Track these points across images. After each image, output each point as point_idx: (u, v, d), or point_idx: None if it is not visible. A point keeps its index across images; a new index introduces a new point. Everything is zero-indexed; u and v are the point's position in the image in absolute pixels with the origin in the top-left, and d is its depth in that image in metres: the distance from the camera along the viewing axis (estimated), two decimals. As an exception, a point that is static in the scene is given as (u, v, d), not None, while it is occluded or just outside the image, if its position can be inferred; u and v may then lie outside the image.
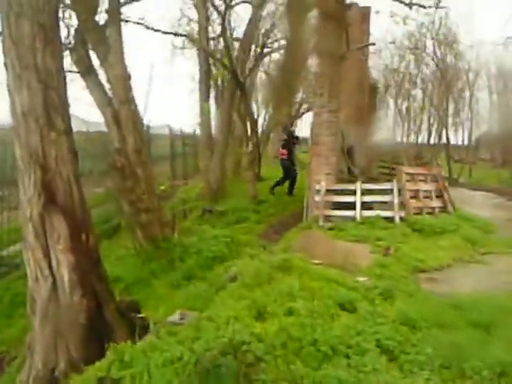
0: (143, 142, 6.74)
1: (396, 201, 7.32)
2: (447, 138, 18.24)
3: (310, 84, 8.26)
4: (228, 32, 10.45)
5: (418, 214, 7.39)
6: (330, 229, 7.27)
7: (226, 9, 9.52)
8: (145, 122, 14.57)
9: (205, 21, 11.29)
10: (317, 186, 7.79)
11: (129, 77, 6.74)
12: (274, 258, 5.09)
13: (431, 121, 25.68)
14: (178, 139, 20.53)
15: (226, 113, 11.79)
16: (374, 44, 9.53)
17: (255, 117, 11.11)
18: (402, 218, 7.20)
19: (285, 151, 11.40)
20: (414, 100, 23.40)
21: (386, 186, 7.65)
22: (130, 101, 6.58)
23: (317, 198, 7.70)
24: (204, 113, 12.90)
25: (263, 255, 5.45)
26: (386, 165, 11.64)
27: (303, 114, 23.22)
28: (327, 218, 7.58)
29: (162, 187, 16.87)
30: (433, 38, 14.48)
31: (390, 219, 7.25)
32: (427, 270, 5.48)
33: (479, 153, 30.98)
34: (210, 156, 12.16)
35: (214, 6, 9.93)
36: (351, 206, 7.56)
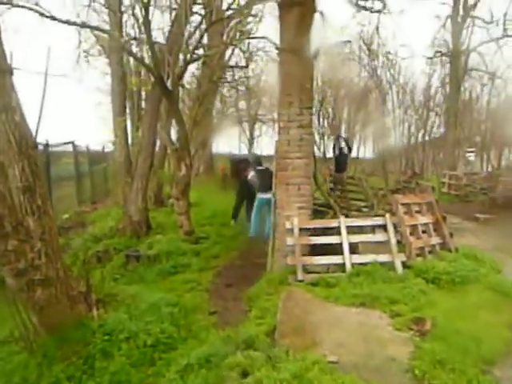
0: (37, 175, 4.10)
1: (393, 240, 5.48)
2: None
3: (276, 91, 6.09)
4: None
5: (419, 255, 5.62)
6: (314, 284, 5.21)
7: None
8: (42, 139, 11.61)
9: (118, 12, 8.77)
10: (287, 225, 5.69)
11: (10, 71, 4.10)
12: (283, 376, 2.87)
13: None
14: (84, 158, 17.61)
15: (150, 128, 9.27)
16: (349, 41, 7.73)
17: (187, 132, 8.66)
18: (404, 264, 5.36)
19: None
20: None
21: (376, 221, 5.79)
22: (10, 109, 3.94)
23: (290, 241, 5.58)
24: (119, 129, 10.23)
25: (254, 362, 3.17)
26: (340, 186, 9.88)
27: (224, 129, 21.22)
28: (305, 267, 5.52)
29: (66, 215, 13.79)
30: (367, 48, 13.37)
31: (388, 265, 5.39)
32: (495, 359, 3.58)
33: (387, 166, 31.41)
34: (129, 182, 9.50)
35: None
36: (333, 249, 5.59)
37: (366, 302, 4.56)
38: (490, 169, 26.99)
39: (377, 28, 11.55)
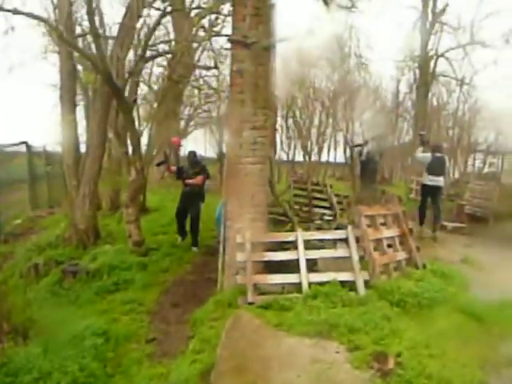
0: None
1: (355, 257, 4.88)
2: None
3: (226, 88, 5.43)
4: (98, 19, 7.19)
5: (383, 273, 5.04)
6: (266, 307, 4.54)
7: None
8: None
9: (67, 4, 7.93)
10: (238, 238, 5.01)
11: None
12: None
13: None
14: (41, 159, 16.56)
15: (99, 128, 8.45)
16: (313, 32, 7.03)
17: (138, 134, 7.90)
18: (367, 284, 4.76)
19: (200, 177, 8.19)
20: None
21: (337, 234, 5.18)
22: None
23: (240, 257, 4.91)
24: (67, 128, 9.33)
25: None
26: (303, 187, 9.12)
27: (191, 131, 20.41)
28: (258, 287, 4.85)
29: (18, 220, 12.80)
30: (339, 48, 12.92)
31: (350, 284, 4.78)
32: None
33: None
34: (76, 186, 8.64)
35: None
36: (290, 266, 4.95)
37: (323, 330, 3.93)
38: (456, 175, 27.10)
39: (349, 29, 11.11)
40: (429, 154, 8.68)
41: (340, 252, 5.02)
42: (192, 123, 19.68)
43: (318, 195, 8.72)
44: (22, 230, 11.95)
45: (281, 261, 4.96)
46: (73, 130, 9.44)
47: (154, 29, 7.97)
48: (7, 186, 12.46)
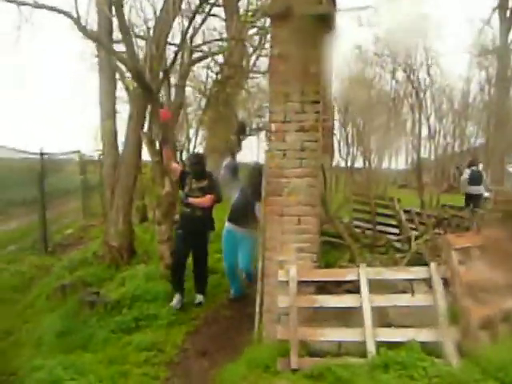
0: None
1: (442, 306, 3.40)
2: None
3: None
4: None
5: (484, 327, 3.50)
6: (316, 377, 3.20)
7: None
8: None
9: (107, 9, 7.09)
10: (281, 276, 3.72)
11: None
12: None
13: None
14: (96, 167, 16.49)
15: (134, 134, 7.53)
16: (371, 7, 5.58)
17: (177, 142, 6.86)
18: (460, 348, 3.27)
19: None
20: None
21: (413, 273, 3.72)
22: None
23: (283, 302, 3.61)
24: (107, 134, 8.56)
25: None
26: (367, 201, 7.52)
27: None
28: (305, 343, 3.52)
29: (70, 230, 12.47)
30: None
31: (432, 347, 3.31)
32: None
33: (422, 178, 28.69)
34: (110, 198, 7.78)
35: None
36: (349, 316, 3.58)
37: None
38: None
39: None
40: (468, 170, 10.44)
41: (419, 299, 3.56)
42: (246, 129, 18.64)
43: (383, 211, 7.17)
44: (72, 239, 11.55)
45: (337, 308, 3.60)
46: (112, 136, 8.65)
47: (190, 23, 6.89)
48: (61, 196, 12.22)
